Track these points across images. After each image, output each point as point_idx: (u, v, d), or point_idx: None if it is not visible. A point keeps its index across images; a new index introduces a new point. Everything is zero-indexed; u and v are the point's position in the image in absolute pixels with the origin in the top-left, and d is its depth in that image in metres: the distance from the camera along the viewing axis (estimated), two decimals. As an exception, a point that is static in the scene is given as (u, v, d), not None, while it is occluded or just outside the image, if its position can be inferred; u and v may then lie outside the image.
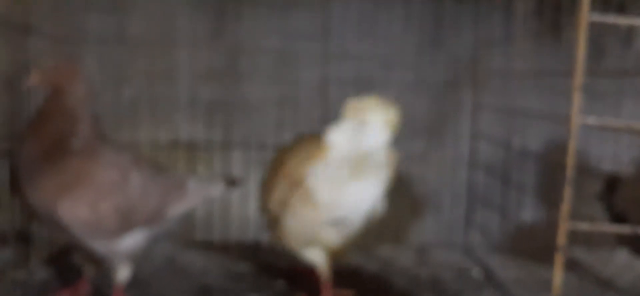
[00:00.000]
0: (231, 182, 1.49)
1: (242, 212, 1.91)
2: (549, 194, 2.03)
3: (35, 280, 1.51)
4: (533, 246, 1.98)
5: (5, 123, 1.49)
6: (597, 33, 2.12)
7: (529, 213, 2.19)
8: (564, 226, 0.99)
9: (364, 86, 1.97)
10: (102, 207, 1.25)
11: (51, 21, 1.65)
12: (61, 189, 1.22)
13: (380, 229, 1.97)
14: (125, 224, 1.29)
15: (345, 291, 1.54)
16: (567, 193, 0.99)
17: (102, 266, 1.38)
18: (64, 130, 1.28)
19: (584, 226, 0.96)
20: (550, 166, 2.08)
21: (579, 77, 0.94)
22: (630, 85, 2.17)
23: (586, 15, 0.92)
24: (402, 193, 1.98)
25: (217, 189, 1.47)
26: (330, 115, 2.05)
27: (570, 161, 0.99)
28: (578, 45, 0.92)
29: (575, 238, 1.93)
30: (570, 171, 0.99)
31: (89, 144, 1.30)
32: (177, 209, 1.38)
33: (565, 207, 0.99)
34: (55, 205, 1.22)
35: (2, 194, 1.49)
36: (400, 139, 2.09)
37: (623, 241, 1.64)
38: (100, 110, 1.87)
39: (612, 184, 1.69)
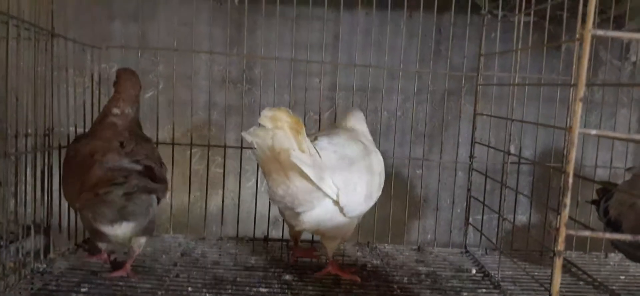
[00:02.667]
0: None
1: (253, 208, 1.85)
2: (543, 199, 1.96)
3: (54, 270, 1.47)
4: (528, 247, 1.91)
5: (32, 120, 1.44)
6: (594, 46, 2.07)
7: (524, 215, 2.12)
8: (564, 232, 0.90)
9: (369, 94, 1.93)
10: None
11: (76, 27, 1.62)
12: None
13: (383, 228, 1.92)
14: None
15: (350, 272, 1.55)
16: (567, 200, 0.90)
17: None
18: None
19: (585, 233, 0.88)
20: (546, 172, 2.01)
21: (581, 88, 0.85)
22: (626, 96, 2.10)
23: (591, 29, 0.83)
24: (405, 194, 1.92)
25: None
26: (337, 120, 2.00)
27: (571, 169, 0.90)
28: (582, 57, 0.84)
29: (570, 241, 1.85)
30: (570, 179, 0.90)
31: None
32: None
33: (565, 214, 0.91)
34: None
35: (23, 189, 1.45)
36: (404, 144, 2.05)
37: (618, 246, 1.56)
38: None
39: (607, 190, 1.61)
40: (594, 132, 0.92)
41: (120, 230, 1.35)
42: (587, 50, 0.87)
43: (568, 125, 0.88)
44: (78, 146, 1.43)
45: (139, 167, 1.35)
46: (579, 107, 0.89)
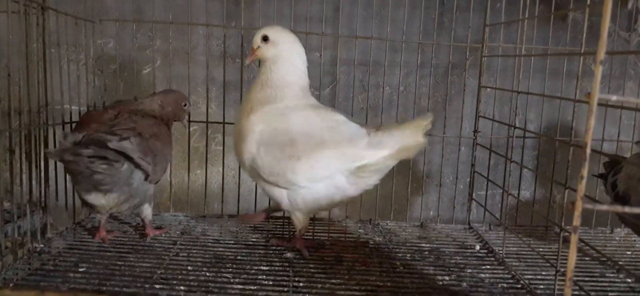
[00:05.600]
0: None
1: (254, 186, 1.79)
2: (548, 174, 1.90)
3: (52, 249, 1.41)
4: (532, 222, 1.85)
5: (25, 97, 1.37)
6: (600, 16, 1.97)
7: (528, 190, 2.06)
8: (580, 207, 0.83)
9: (371, 68, 1.85)
10: None
11: (68, 1, 1.53)
12: None
13: (386, 204, 1.86)
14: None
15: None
16: (585, 171, 0.83)
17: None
18: None
19: (602, 207, 0.81)
20: (551, 147, 1.94)
21: (602, 50, 0.77)
22: (633, 68, 2.02)
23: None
24: (407, 170, 1.86)
25: None
26: (338, 95, 1.94)
27: (589, 138, 0.83)
28: (604, 15, 0.76)
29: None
30: (588, 150, 0.83)
31: None
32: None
33: (582, 186, 0.83)
34: None
35: (19, 167, 1.39)
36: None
37: (625, 221, 1.50)
38: (120, 87, 1.78)
39: (615, 164, 1.54)
40: (614, 97, 0.84)
41: (104, 200, 1.35)
42: (610, 4, 0.79)
43: (586, 92, 0.81)
44: (82, 115, 1.51)
45: (113, 138, 1.28)
46: (598, 71, 0.82)
